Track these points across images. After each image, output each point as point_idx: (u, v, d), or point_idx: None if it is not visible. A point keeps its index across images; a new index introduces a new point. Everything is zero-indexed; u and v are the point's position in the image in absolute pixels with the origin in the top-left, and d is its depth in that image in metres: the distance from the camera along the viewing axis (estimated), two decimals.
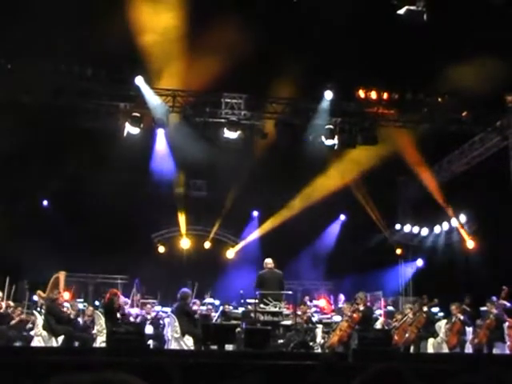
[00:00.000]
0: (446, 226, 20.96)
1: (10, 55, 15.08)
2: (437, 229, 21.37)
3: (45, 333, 13.18)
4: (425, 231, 21.83)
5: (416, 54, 14.09)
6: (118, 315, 13.37)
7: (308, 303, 16.36)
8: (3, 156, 16.43)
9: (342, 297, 16.91)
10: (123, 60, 15.20)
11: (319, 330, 15.03)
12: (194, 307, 14.74)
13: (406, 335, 14.34)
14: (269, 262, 14.23)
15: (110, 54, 14.02)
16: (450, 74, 14.68)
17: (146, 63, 14.85)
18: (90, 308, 14.82)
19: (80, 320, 14.30)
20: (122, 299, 14.68)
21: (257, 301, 13.32)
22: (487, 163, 18.08)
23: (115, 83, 16.03)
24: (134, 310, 15.17)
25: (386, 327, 14.85)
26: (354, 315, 14.23)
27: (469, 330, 14.40)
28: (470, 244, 19.73)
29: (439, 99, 17.05)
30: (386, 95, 16.81)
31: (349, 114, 17.41)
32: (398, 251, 22.39)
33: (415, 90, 16.71)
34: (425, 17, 12.01)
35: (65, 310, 14.07)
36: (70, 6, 12.69)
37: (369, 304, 15.10)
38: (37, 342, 13.19)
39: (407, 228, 22.05)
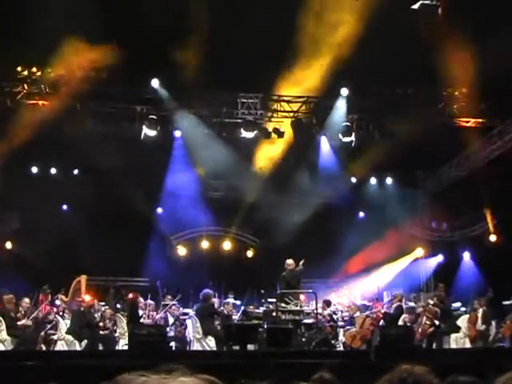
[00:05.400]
0: (465, 220, 20.79)
1: (24, 59, 15.17)
2: (456, 223, 21.20)
3: (68, 337, 13.29)
4: (445, 226, 21.67)
5: (431, 47, 13.95)
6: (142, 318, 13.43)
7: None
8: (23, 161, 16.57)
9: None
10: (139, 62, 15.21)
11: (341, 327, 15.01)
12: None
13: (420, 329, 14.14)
14: (290, 262, 14.29)
15: (125, 57, 14.03)
16: (467, 67, 14.54)
17: (162, 65, 14.85)
18: (108, 310, 14.80)
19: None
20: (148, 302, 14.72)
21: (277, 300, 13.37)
22: (506, 156, 17.89)
23: (132, 86, 16.11)
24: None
25: (408, 324, 14.77)
26: (379, 314, 14.23)
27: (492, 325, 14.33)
28: (492, 238, 19.59)
29: (456, 92, 16.91)
30: (401, 90, 16.68)
31: (365, 111, 17.34)
32: (419, 247, 22.22)
33: (432, 83, 16.56)
34: (439, 11, 11.92)
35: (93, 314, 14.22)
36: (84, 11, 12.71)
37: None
38: (60, 346, 13.31)
39: (427, 223, 21.91)
